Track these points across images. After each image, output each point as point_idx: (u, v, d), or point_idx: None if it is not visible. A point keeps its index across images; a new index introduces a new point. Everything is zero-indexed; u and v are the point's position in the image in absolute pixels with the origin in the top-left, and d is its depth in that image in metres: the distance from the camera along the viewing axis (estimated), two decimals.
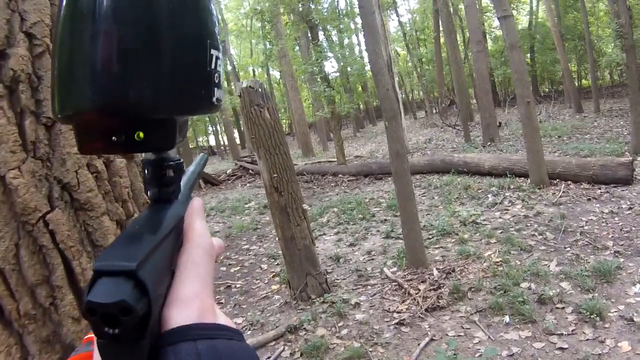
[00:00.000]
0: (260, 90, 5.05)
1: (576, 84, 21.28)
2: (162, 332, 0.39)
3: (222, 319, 0.43)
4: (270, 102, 5.16)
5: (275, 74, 34.23)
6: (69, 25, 0.40)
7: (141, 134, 0.41)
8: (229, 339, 0.41)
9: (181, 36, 0.42)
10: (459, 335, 3.63)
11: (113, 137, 0.41)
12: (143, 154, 0.47)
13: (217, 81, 0.47)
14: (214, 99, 0.46)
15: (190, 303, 0.41)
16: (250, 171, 15.28)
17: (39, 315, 0.98)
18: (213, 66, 0.46)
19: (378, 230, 6.97)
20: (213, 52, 0.46)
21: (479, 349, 3.39)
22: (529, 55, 25.16)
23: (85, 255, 1.03)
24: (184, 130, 0.48)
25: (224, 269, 6.68)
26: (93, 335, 0.38)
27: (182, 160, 0.49)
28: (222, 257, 7.20)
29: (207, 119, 25.42)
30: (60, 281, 0.98)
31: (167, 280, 0.42)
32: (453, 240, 5.86)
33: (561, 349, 3.25)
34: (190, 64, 0.43)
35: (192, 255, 0.44)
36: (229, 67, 27.70)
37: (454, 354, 3.20)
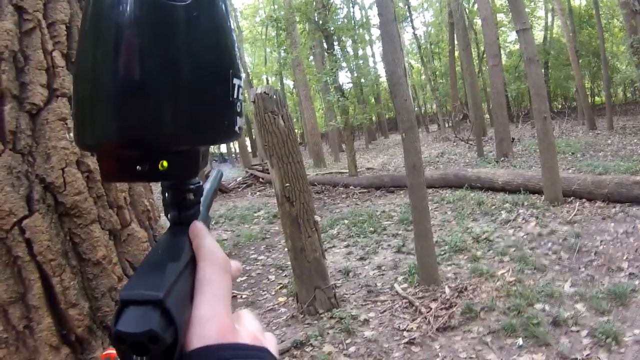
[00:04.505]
0: (274, 97, 4.94)
1: (589, 101, 20.98)
2: (182, 355, 0.38)
3: (245, 337, 0.42)
4: (284, 110, 5.05)
5: (289, 83, 34.23)
6: (90, 56, 0.39)
7: (165, 163, 0.41)
8: (248, 358, 0.40)
9: (202, 68, 0.41)
10: (470, 358, 3.47)
11: (137, 167, 0.41)
12: None
13: (239, 110, 0.46)
14: (237, 128, 0.46)
15: (207, 323, 0.40)
16: (261, 180, 15.07)
17: (11, 340, 0.81)
18: (235, 95, 0.45)
19: (389, 245, 6.77)
20: (235, 81, 0.45)
21: None
22: (542, 71, 24.91)
23: (68, 271, 0.85)
24: (206, 156, 0.48)
25: None
26: (112, 351, 0.40)
27: (201, 182, 0.50)
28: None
29: None
30: (37, 301, 0.80)
31: (190, 306, 0.41)
32: (465, 257, 5.68)
33: None
34: (213, 95, 0.43)
35: (207, 273, 0.43)
36: (243, 75, 27.72)
37: None
